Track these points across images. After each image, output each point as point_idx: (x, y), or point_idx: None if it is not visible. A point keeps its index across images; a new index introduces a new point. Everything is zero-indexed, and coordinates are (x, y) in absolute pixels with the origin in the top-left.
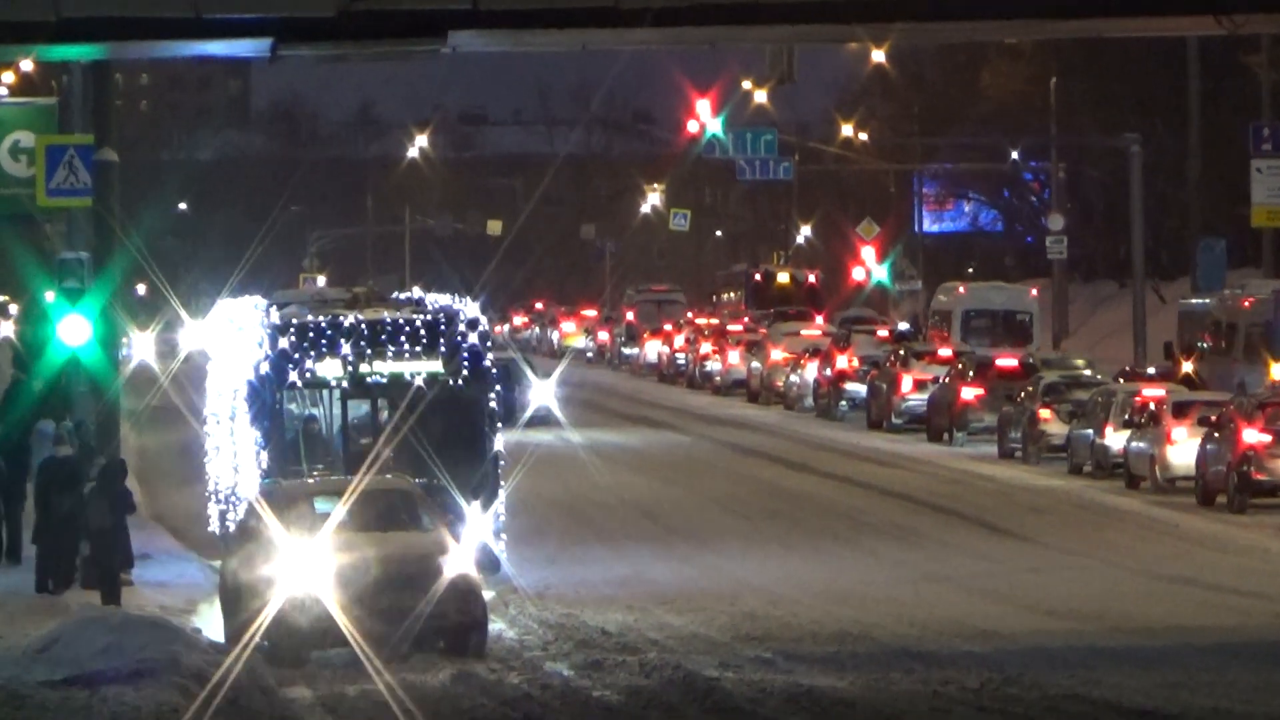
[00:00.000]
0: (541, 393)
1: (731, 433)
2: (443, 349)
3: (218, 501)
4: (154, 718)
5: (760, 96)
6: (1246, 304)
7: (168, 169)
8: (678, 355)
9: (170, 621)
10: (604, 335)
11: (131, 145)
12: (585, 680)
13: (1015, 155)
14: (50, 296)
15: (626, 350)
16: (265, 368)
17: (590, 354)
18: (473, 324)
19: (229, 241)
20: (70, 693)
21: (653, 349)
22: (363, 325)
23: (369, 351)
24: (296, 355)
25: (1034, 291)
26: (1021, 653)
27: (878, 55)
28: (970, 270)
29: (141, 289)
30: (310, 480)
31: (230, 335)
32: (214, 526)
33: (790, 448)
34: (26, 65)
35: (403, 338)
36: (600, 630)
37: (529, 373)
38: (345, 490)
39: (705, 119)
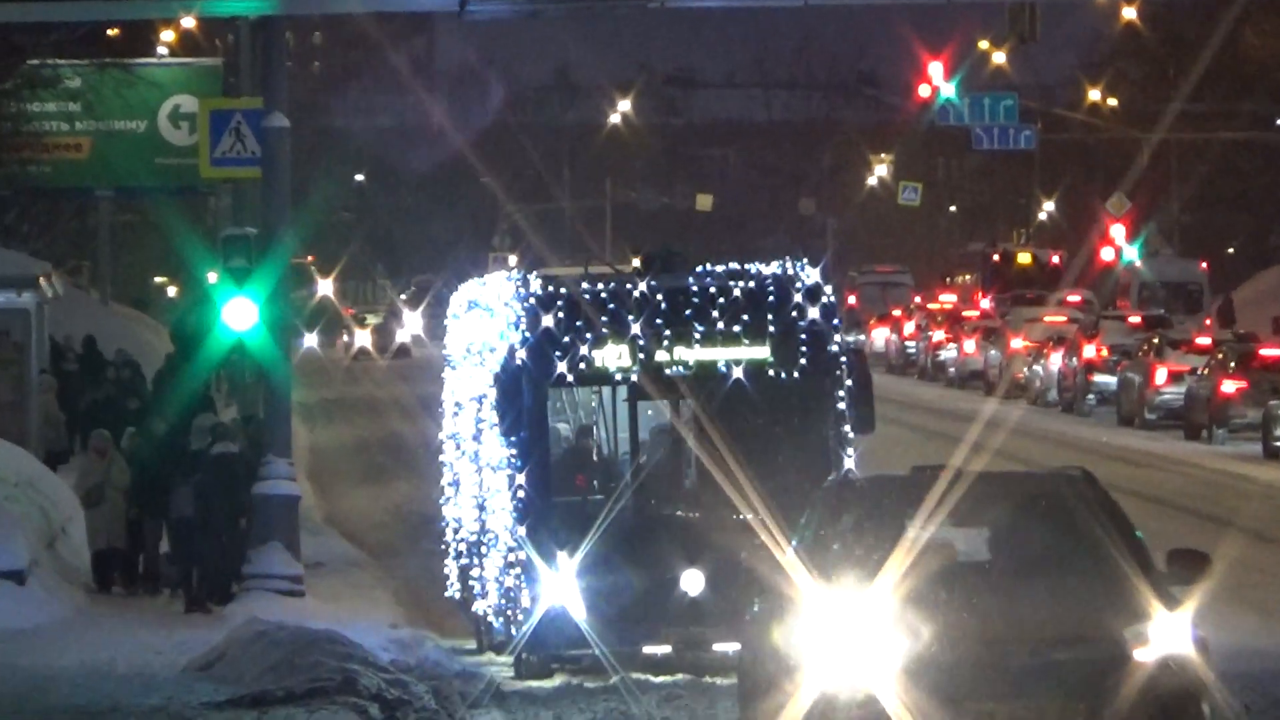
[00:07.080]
0: None
1: (965, 429)
2: (772, 328)
3: (459, 556)
4: None
5: (999, 58)
6: None
7: (343, 136)
8: (907, 344)
9: (345, 637)
10: None
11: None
12: None
13: None
14: (213, 277)
15: (849, 337)
16: (522, 356)
17: None
18: (812, 294)
19: (410, 216)
20: (236, 714)
21: (879, 336)
22: (659, 296)
23: (668, 333)
24: (566, 338)
25: (1204, 264)
26: None
27: (1129, 11)
28: (1230, 250)
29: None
30: (868, 487)
31: (472, 325)
32: (455, 590)
33: (1031, 446)
34: (189, 22)
35: (715, 312)
36: None
37: None
38: (925, 503)
39: (938, 82)
